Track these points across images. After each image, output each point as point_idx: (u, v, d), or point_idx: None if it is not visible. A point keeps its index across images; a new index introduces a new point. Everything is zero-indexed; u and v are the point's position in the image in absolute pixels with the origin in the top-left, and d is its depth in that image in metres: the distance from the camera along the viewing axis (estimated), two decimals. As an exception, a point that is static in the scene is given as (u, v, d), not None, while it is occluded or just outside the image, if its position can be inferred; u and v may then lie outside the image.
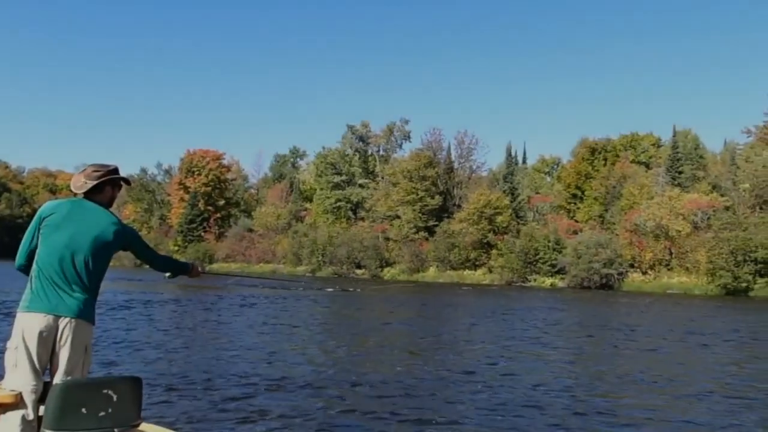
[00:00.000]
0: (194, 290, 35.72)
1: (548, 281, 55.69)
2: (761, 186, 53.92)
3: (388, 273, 67.36)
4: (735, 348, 18.52)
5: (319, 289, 42.63)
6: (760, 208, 53.17)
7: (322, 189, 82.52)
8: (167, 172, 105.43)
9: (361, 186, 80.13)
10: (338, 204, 79.81)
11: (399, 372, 12.70)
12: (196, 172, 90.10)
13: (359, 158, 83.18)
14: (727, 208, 52.63)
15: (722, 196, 55.04)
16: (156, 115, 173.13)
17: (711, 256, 46.75)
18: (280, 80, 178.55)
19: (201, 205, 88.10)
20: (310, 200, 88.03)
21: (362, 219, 76.49)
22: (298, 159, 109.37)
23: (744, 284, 45.18)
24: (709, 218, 51.58)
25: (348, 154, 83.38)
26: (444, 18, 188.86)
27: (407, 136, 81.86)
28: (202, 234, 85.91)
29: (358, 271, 69.26)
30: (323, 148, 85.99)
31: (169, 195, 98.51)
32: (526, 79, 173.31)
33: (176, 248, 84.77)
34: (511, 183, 67.28)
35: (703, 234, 50.39)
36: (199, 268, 4.73)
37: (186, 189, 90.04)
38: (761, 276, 45.19)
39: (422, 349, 16.22)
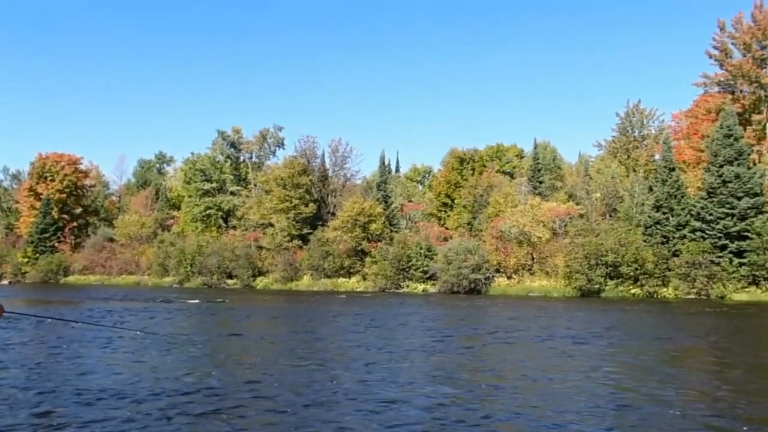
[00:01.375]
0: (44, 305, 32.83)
1: (420, 287, 56.86)
2: (610, 195, 58.54)
3: (261, 282, 65.78)
4: (580, 345, 19.66)
5: (184, 301, 40.67)
6: (610, 216, 57.62)
7: (190, 196, 79.20)
8: (15, 177, 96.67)
9: (232, 193, 77.84)
10: (208, 212, 76.96)
11: (252, 380, 12.17)
12: (49, 178, 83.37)
13: (230, 165, 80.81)
14: (581, 216, 56.47)
15: (577, 204, 59.03)
16: (1, 115, 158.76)
17: (568, 260, 49.89)
18: (145, 82, 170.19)
19: (55, 213, 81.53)
20: (178, 208, 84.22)
21: (234, 227, 74.26)
22: (165, 165, 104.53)
23: (596, 286, 48.58)
24: (566, 225, 55.08)
25: (219, 161, 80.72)
26: (317, 24, 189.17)
27: (281, 143, 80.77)
28: (56, 244, 79.43)
29: (230, 282, 67.06)
30: (192, 153, 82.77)
31: (17, 202, 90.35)
32: (400, 89, 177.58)
33: (26, 260, 77.84)
34: (385, 191, 68.19)
35: (560, 240, 53.71)
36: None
37: (37, 196, 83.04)
38: (611, 278, 48.83)
39: (288, 356, 15.74)
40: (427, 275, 57.01)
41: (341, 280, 61.83)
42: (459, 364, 15.49)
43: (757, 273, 44.27)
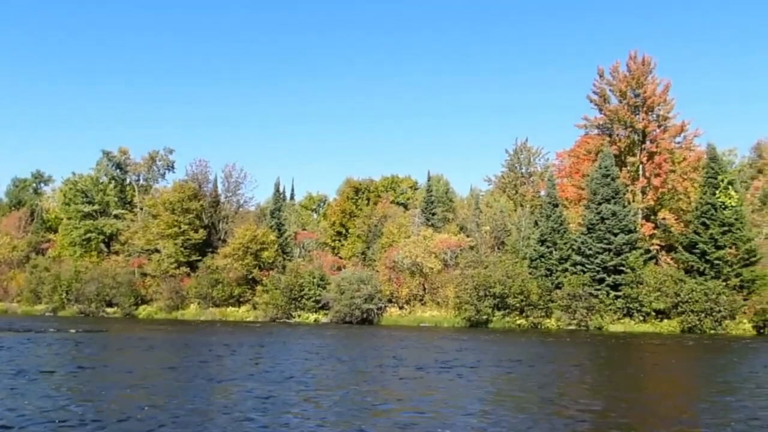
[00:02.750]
0: None
1: (312, 317, 55.87)
2: (499, 229, 60.52)
3: (143, 311, 62.30)
4: (470, 373, 19.74)
5: (57, 331, 37.53)
6: (498, 248, 59.47)
7: (69, 219, 74.05)
8: None
9: (116, 217, 73.62)
10: (88, 236, 72.17)
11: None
12: None
13: (115, 187, 76.56)
14: (471, 248, 57.88)
15: (468, 236, 60.50)
16: None
17: (458, 291, 50.79)
18: (24, 95, 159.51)
19: None
20: (55, 231, 78.56)
21: (116, 253, 70.08)
22: (42, 184, 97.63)
23: (485, 317, 49.68)
24: (457, 256, 56.22)
25: (102, 182, 76.24)
26: (212, 46, 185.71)
27: (171, 166, 77.54)
28: None
29: (109, 310, 63.09)
30: (73, 173, 77.64)
31: None
32: (298, 117, 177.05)
33: None
34: (278, 218, 66.93)
35: (451, 271, 54.70)
36: None
37: None
38: (498, 309, 50.13)
39: (160, 390, 14.65)
40: (320, 305, 56.17)
41: (230, 309, 59.69)
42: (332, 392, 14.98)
43: (630, 305, 46.92)
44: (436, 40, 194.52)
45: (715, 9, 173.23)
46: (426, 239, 56.49)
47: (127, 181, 78.09)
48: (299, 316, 56.28)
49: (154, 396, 14.75)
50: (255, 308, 58.56)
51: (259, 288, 58.45)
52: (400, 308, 55.24)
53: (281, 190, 77.86)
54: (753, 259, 45.71)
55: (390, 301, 55.29)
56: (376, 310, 53.67)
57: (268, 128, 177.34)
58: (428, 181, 69.74)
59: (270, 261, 60.45)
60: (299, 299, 56.63)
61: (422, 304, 55.07)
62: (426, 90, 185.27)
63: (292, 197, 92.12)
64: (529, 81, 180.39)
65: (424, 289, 55.40)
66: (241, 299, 60.41)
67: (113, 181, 76.74)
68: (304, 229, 75.82)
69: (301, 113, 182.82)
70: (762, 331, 42.61)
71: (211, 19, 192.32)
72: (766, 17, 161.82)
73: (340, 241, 69.24)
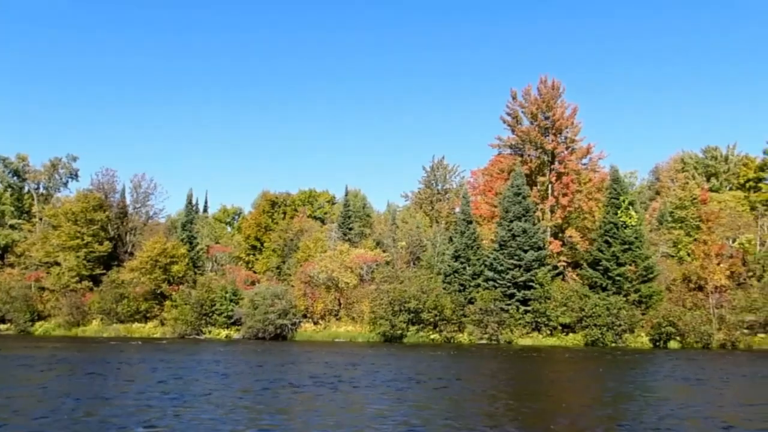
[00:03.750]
0: None
1: (224, 333, 54.25)
2: (414, 244, 61.11)
3: (40, 328, 58.49)
4: (378, 389, 19.62)
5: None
6: (413, 264, 60.01)
7: (-41, 228, 68.67)
8: None
9: (12, 227, 68.98)
10: (-20, 247, 67.12)
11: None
12: None
13: (12, 195, 71.84)
14: (387, 263, 58.11)
15: (384, 251, 60.74)
16: None
17: (373, 306, 50.75)
18: None
19: None
20: (-58, 241, 72.58)
21: (11, 265, 65.49)
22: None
23: (399, 331, 49.85)
24: (373, 271, 56.26)
25: (-3, 190, 71.36)
26: (127, 54, 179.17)
27: (74, 175, 73.62)
28: None
29: (2, 326, 58.87)
30: (-36, 180, 72.17)
31: None
32: (212, 128, 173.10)
33: None
34: (190, 231, 64.77)
35: (367, 286, 54.63)
36: None
37: None
38: (413, 324, 50.44)
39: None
40: (232, 320, 54.64)
41: (136, 325, 57.03)
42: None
43: (539, 320, 48.41)
44: (356, 55, 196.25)
45: (623, 39, 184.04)
46: (342, 254, 56.23)
47: (26, 189, 73.50)
48: (209, 332, 54.48)
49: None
50: (163, 324, 56.21)
51: (167, 303, 56.17)
52: (315, 324, 54.55)
53: (194, 202, 75.47)
54: (651, 275, 48.28)
55: (305, 316, 54.53)
56: (290, 326, 52.76)
57: (181, 138, 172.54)
58: (346, 195, 69.66)
59: (180, 275, 58.32)
60: (210, 315, 54.86)
61: (337, 320, 54.63)
62: (345, 105, 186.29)
63: (205, 210, 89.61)
64: (447, 100, 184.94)
65: (340, 304, 55.02)
66: (148, 315, 57.88)
67: (9, 189, 72.02)
68: (217, 243, 73.77)
69: (217, 123, 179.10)
70: (657, 344, 44.93)
71: (123, 17, 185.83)
72: (668, 49, 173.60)
73: (254, 255, 67.81)
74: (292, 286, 56.06)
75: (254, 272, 64.16)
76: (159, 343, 46.30)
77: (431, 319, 49.81)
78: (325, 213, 73.78)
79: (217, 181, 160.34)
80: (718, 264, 47.64)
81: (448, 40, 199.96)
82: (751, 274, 48.90)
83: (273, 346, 44.95)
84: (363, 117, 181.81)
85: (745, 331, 44.25)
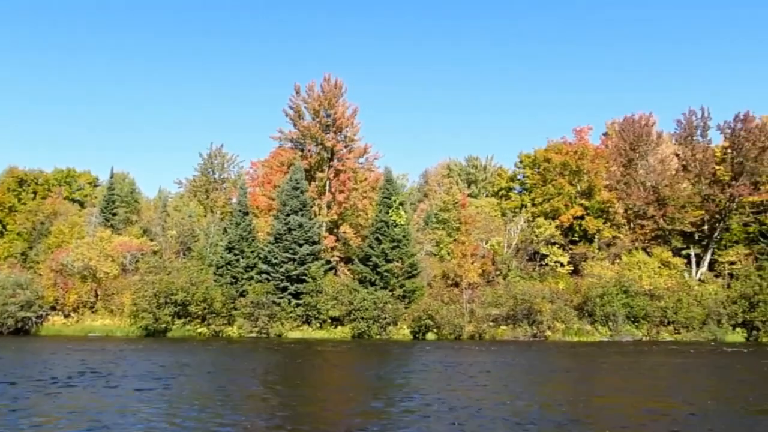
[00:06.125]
0: None
1: (-53, 328, 46.39)
2: (186, 234, 58.16)
3: None
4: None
5: None
6: (184, 254, 57.11)
7: None
8: None
9: None
10: None
11: None
12: None
13: None
14: (155, 252, 54.53)
15: (152, 240, 56.94)
16: None
17: (135, 298, 47.22)
18: None
19: None
20: None
21: None
22: None
23: (164, 325, 47.00)
24: (137, 261, 52.35)
25: None
26: None
27: None
28: None
29: None
30: None
31: None
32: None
33: None
34: None
35: (130, 276, 50.70)
36: None
37: None
38: (179, 317, 47.92)
39: None
40: (-40, 313, 46.94)
41: None
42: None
43: (309, 313, 49.02)
44: (133, 32, 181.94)
45: (409, 47, 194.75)
46: (103, 241, 51.44)
47: None
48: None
49: None
50: None
51: None
52: (66, 317, 49.19)
53: None
54: (415, 272, 51.55)
55: (54, 308, 48.91)
56: (34, 319, 46.92)
57: None
58: (111, 178, 63.91)
59: None
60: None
61: (93, 312, 49.86)
62: (115, 79, 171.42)
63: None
64: (229, 88, 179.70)
65: (97, 296, 50.26)
66: None
67: None
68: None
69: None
70: (417, 335, 48.13)
71: None
72: (439, 60, 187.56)
73: (-5, 239, 59.21)
74: (40, 274, 50.02)
75: (-7, 258, 56.00)
76: None
77: (199, 312, 47.75)
78: (86, 196, 66.96)
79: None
80: (472, 263, 52.44)
81: (237, 27, 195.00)
82: (498, 272, 54.64)
83: (11, 342, 39.54)
84: (136, 94, 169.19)
85: (491, 323, 49.24)
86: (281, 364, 29.06)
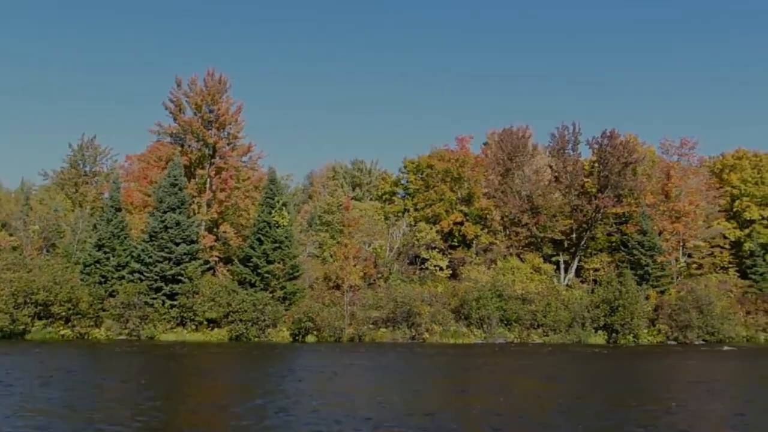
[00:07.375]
0: None
1: None
2: (50, 229, 54.19)
3: None
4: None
5: None
6: (48, 251, 53.17)
7: None
8: None
9: None
10: None
11: None
12: None
13: None
14: (14, 248, 50.46)
15: (11, 235, 52.67)
16: None
17: (-10, 297, 43.27)
18: None
19: None
20: None
21: None
22: None
23: (22, 326, 43.45)
24: (-7, 258, 48.09)
25: None
26: None
27: None
28: None
29: None
30: None
31: None
32: None
33: None
34: None
35: (-15, 274, 46.43)
36: None
37: None
38: (40, 318, 44.49)
39: None
40: None
41: None
42: None
43: (185, 315, 47.12)
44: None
45: (300, 50, 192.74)
46: (-48, 235, 46.84)
47: None
48: None
49: None
50: None
51: None
52: None
53: None
54: (296, 273, 51.03)
55: None
56: None
57: None
58: (-36, 166, 58.44)
59: None
60: None
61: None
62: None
63: None
64: (105, 76, 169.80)
65: (-58, 295, 45.55)
66: None
67: None
68: None
69: None
70: (297, 338, 47.64)
71: None
72: (333, 65, 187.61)
73: None
74: None
75: None
76: None
77: (63, 313, 44.56)
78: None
79: None
80: (354, 265, 52.71)
81: (120, 20, 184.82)
82: (380, 275, 55.30)
83: None
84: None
85: (371, 326, 49.67)
86: (146, 369, 27.70)
